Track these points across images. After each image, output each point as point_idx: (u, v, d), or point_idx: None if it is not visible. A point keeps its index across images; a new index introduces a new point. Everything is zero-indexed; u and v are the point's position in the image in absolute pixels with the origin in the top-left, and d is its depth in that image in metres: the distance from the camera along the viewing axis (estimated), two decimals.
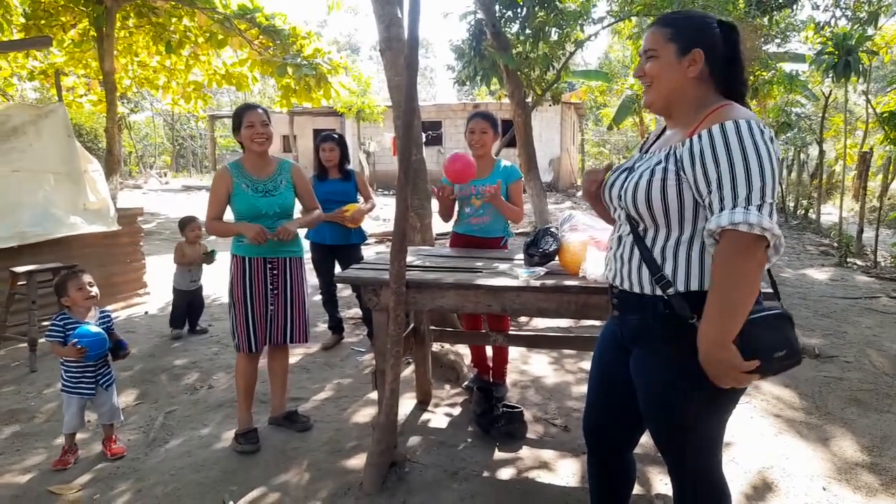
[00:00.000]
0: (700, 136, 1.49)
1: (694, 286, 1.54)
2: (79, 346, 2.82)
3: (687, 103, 1.62)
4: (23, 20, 7.53)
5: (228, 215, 3.16)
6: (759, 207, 1.39)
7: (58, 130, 5.50)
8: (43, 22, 7.49)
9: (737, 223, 1.38)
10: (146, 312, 5.93)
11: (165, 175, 26.50)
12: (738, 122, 1.44)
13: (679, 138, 1.59)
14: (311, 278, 6.58)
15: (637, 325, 1.66)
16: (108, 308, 5.50)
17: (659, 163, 1.58)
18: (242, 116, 3.04)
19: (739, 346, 1.43)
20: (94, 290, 3.02)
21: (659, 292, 1.57)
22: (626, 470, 1.98)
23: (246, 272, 3.06)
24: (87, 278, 3.01)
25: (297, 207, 3.34)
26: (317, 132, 24.51)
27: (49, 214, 5.18)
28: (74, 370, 2.94)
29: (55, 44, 7.92)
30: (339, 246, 4.59)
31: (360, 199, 4.72)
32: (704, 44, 1.58)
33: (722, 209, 1.42)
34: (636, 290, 1.63)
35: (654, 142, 1.77)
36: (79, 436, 3.09)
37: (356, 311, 5.46)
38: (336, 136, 4.71)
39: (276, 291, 3.14)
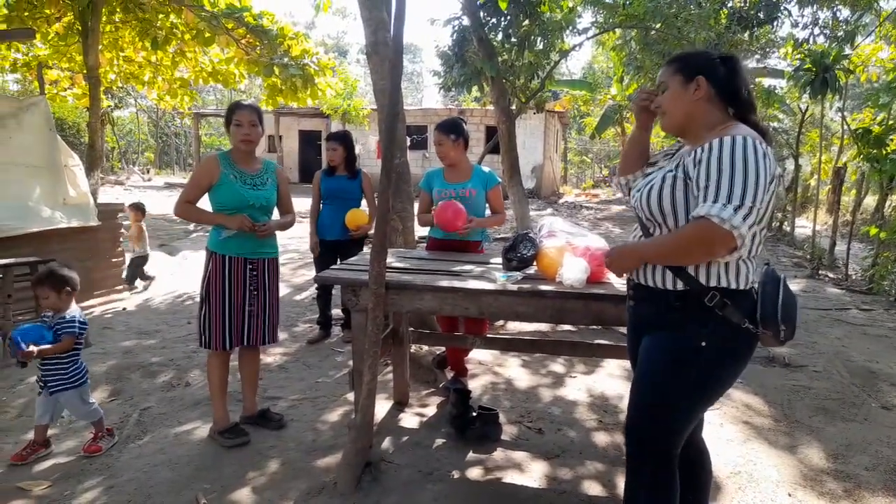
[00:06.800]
0: (703, 147, 1.70)
1: (713, 282, 1.74)
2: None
3: (697, 123, 1.84)
4: (6, 11, 7.43)
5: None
6: (736, 209, 1.59)
7: (39, 123, 5.45)
8: (26, 13, 7.40)
9: (711, 214, 1.60)
10: (124, 309, 5.88)
11: (148, 172, 26.22)
12: (735, 137, 1.65)
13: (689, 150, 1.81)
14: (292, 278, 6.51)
15: (648, 314, 1.91)
16: (87, 303, 5.48)
17: (670, 171, 1.81)
18: (233, 113, 3.06)
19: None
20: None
21: (670, 286, 1.79)
22: (685, 454, 1.95)
23: (226, 270, 3.05)
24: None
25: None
26: (302, 133, 24.60)
27: (27, 208, 5.13)
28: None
29: (39, 36, 7.85)
30: (341, 242, 4.64)
31: (364, 201, 4.79)
32: (706, 71, 1.81)
33: (705, 202, 1.63)
34: (650, 284, 1.85)
35: (676, 153, 1.97)
36: (50, 432, 3.07)
37: (337, 312, 5.47)
38: (341, 134, 4.77)
39: (255, 293, 3.14)
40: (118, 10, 7.74)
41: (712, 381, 1.82)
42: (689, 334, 1.77)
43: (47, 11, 7.60)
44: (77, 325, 2.96)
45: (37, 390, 2.98)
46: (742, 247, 1.67)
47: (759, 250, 1.79)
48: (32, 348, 2.77)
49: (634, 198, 1.93)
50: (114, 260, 6.25)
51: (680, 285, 1.77)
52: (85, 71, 7.55)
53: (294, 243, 9.44)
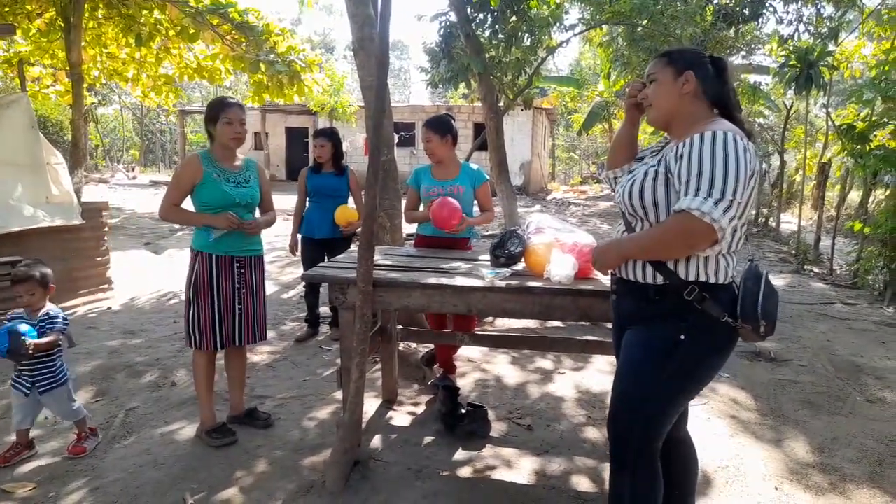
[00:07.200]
0: (684, 142, 1.72)
1: (692, 276, 1.76)
2: None
3: (683, 118, 1.86)
4: None
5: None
6: (717, 202, 1.60)
7: (21, 121, 5.37)
8: (7, 9, 7.28)
9: (692, 208, 1.61)
10: (109, 308, 5.82)
11: (133, 169, 25.98)
12: (715, 132, 1.68)
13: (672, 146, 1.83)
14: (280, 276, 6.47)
15: (629, 308, 1.93)
16: (71, 303, 5.41)
17: (652, 166, 1.84)
18: (221, 111, 3.00)
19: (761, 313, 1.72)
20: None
21: (650, 280, 1.81)
22: (670, 448, 1.98)
23: (213, 270, 3.02)
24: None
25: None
26: (289, 130, 24.45)
27: (9, 206, 5.06)
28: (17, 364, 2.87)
29: (20, 32, 7.72)
30: (329, 239, 4.63)
31: (351, 198, 4.77)
32: (696, 68, 1.84)
33: (686, 196, 1.65)
34: (630, 278, 1.87)
35: (661, 150, 1.98)
36: (34, 432, 3.03)
37: (325, 310, 5.45)
38: (328, 131, 4.74)
39: (244, 291, 3.11)
40: (101, 5, 7.62)
41: (692, 374, 1.84)
42: (668, 328, 1.80)
43: (28, 7, 7.49)
44: (61, 320, 2.93)
45: (19, 393, 2.89)
46: (723, 240, 1.68)
47: (739, 245, 1.80)
48: (31, 342, 2.73)
49: (618, 193, 1.95)
50: (98, 259, 6.17)
51: (660, 279, 1.80)
52: (67, 68, 7.44)
53: (281, 241, 9.36)
